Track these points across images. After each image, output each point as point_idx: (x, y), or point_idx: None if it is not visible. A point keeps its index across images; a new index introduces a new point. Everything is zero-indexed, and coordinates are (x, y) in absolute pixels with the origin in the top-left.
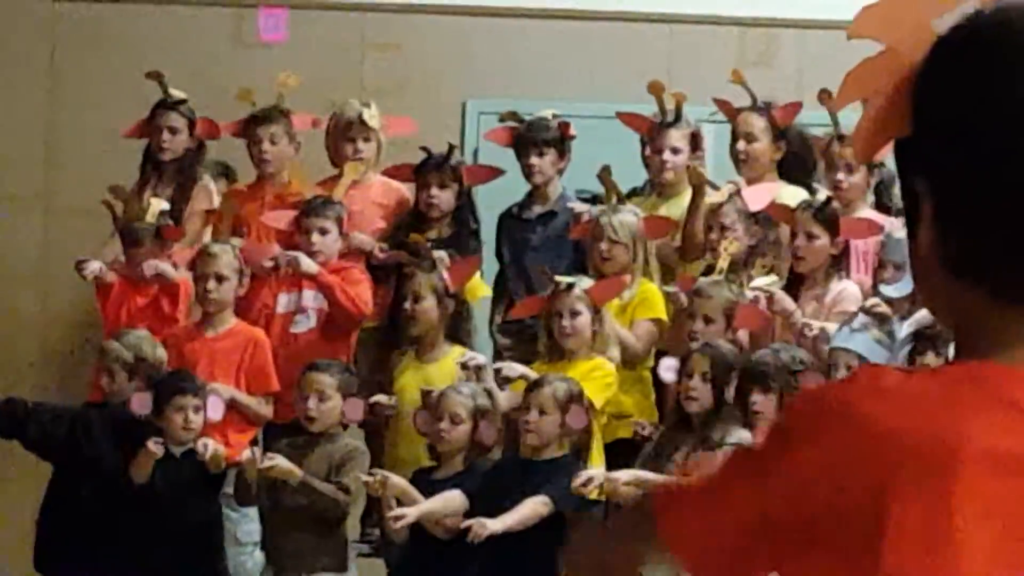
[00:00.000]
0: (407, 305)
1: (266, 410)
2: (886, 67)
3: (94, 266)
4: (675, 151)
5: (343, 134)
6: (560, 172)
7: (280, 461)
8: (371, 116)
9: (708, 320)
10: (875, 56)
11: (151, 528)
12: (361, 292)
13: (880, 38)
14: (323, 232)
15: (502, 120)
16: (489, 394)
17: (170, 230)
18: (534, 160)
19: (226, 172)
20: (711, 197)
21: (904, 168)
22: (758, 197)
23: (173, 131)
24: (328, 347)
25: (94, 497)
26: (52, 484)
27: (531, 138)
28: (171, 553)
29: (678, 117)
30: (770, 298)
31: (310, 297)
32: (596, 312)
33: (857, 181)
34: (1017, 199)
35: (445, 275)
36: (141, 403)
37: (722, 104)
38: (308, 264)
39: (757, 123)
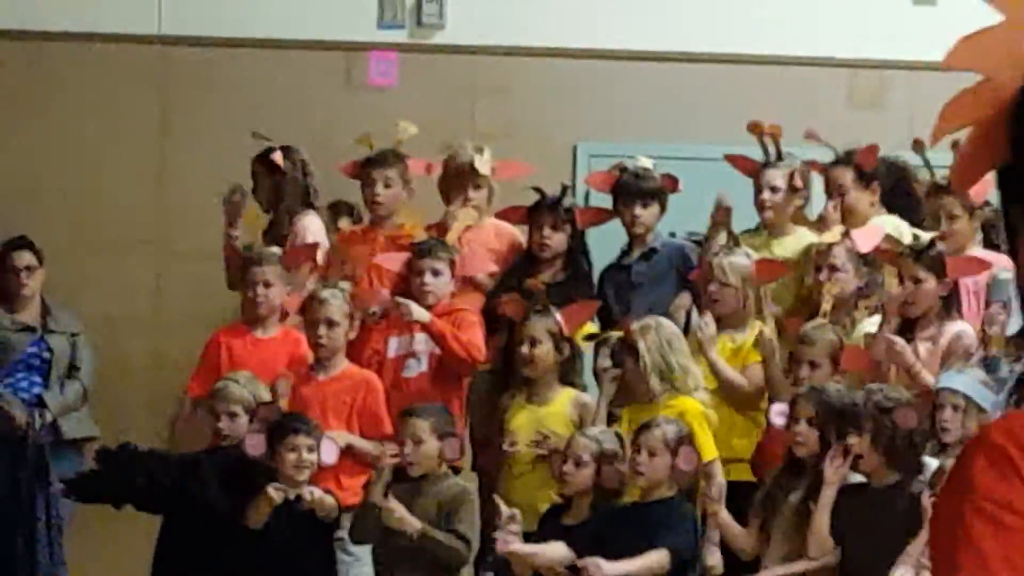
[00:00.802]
0: (524, 349)
1: (380, 453)
2: (984, 97)
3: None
4: (774, 190)
5: (455, 180)
6: (657, 222)
7: (403, 512)
8: (482, 163)
9: (814, 365)
10: (973, 87)
11: (266, 573)
12: (474, 337)
13: (977, 69)
14: (435, 273)
15: (611, 169)
16: (619, 438)
17: (291, 252)
18: (638, 211)
19: (351, 211)
20: (821, 238)
21: (1005, 197)
22: (868, 238)
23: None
24: (440, 391)
25: (207, 542)
26: (163, 532)
27: (636, 189)
28: None
29: (779, 156)
30: (891, 347)
31: (421, 341)
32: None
33: (961, 227)
34: None
35: (560, 319)
36: (255, 444)
37: (735, 159)
38: (420, 313)
39: (846, 175)
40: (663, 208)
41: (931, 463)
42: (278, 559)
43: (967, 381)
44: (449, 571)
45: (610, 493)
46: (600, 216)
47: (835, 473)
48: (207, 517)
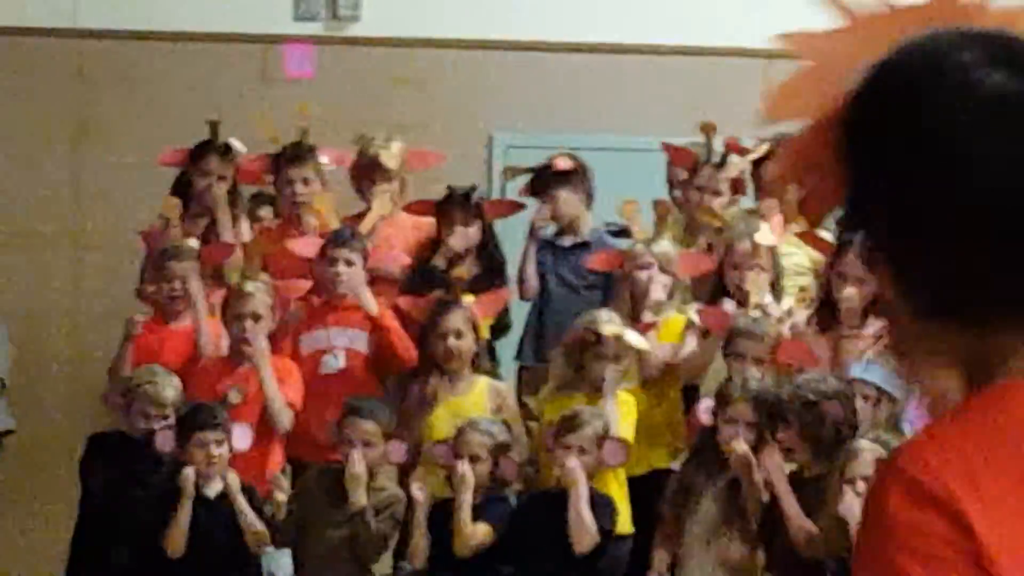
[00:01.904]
0: (451, 342)
1: (287, 419)
2: (815, 142)
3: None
4: (716, 193)
5: (366, 172)
6: (585, 205)
7: (362, 476)
8: (390, 157)
9: (758, 361)
10: (800, 134)
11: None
12: (407, 340)
13: (797, 117)
14: (348, 263)
15: (506, 176)
16: (509, 428)
17: (210, 249)
18: (551, 205)
19: (272, 201)
20: (756, 237)
21: (852, 223)
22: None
23: (221, 179)
24: (361, 388)
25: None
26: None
27: (548, 178)
28: None
29: (723, 160)
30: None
31: (338, 336)
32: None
33: None
34: (978, 227)
35: (473, 309)
36: (164, 440)
37: (671, 149)
38: (371, 304)
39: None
40: (583, 191)
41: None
42: (201, 555)
43: (878, 371)
44: (365, 562)
45: (504, 484)
46: (510, 208)
47: (777, 469)
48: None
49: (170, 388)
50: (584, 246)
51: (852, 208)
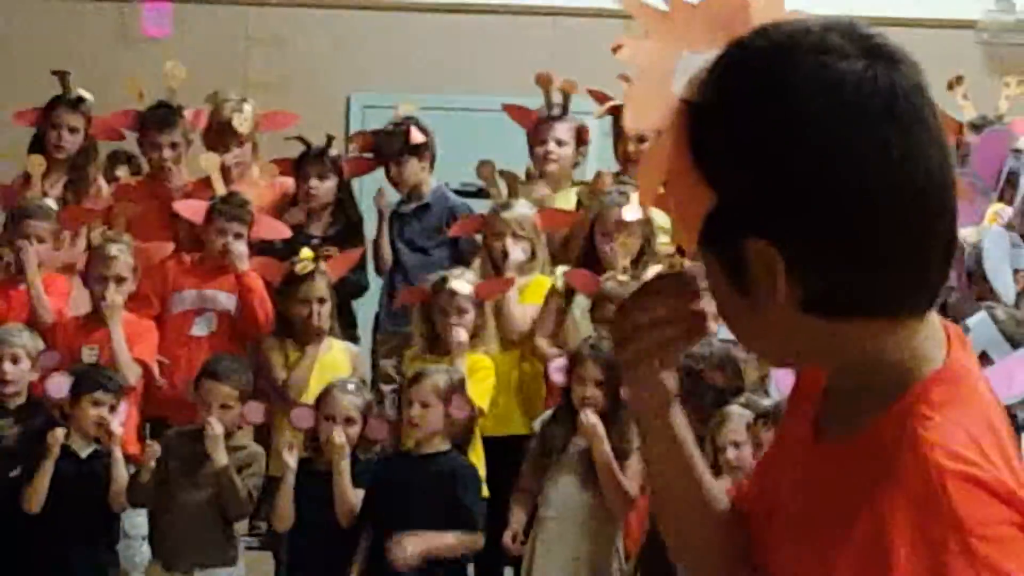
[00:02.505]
0: (315, 308)
1: (132, 375)
2: (661, 153)
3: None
4: (560, 143)
5: (218, 135)
6: (428, 169)
7: (218, 429)
8: (241, 120)
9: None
10: (651, 146)
11: (47, 526)
12: (268, 305)
13: (648, 128)
14: (238, 236)
15: (350, 142)
16: (369, 386)
17: (71, 212)
18: (394, 170)
19: (129, 160)
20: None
21: (723, 236)
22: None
23: (72, 130)
24: (228, 349)
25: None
26: None
27: (389, 146)
28: (67, 550)
29: (565, 110)
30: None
31: (212, 298)
32: (479, 307)
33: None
34: (865, 229)
35: (326, 267)
36: (58, 386)
37: (599, 95)
38: (243, 259)
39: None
40: (422, 156)
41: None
42: (62, 514)
43: None
44: (224, 521)
45: (371, 443)
46: (367, 166)
47: (592, 429)
48: None
49: (24, 334)
50: (426, 208)
51: (722, 223)
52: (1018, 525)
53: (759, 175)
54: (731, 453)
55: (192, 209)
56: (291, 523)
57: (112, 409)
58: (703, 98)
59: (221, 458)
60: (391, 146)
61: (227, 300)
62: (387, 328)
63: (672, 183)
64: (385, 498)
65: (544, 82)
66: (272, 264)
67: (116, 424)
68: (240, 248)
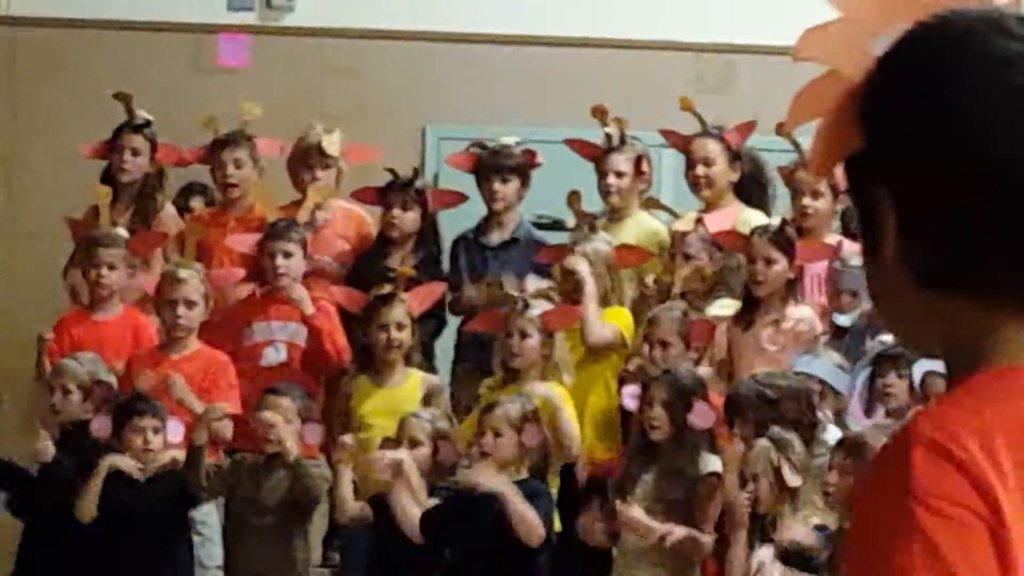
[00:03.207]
0: (394, 333)
1: (226, 428)
2: (830, 89)
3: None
4: (619, 175)
5: (303, 161)
6: (521, 199)
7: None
8: (330, 143)
9: (664, 344)
10: (819, 78)
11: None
12: (340, 339)
13: (822, 61)
14: (287, 255)
15: (468, 149)
16: (449, 418)
17: (141, 237)
18: (497, 186)
19: (204, 191)
20: (675, 225)
21: (859, 181)
22: (720, 221)
23: (135, 153)
24: (299, 381)
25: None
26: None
27: (494, 164)
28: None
29: (623, 141)
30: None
31: (281, 330)
32: (548, 337)
33: (822, 207)
34: (984, 198)
35: (410, 301)
36: (101, 426)
37: (668, 134)
38: (307, 302)
39: (712, 147)
40: (524, 184)
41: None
42: (131, 543)
43: (823, 365)
44: (302, 514)
45: (447, 471)
46: (453, 199)
47: (734, 456)
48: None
49: (88, 364)
50: (513, 243)
51: (862, 166)
52: (985, 521)
53: (899, 126)
54: (750, 487)
55: (243, 242)
56: (353, 511)
57: (156, 431)
58: (887, 56)
59: (293, 447)
60: (496, 162)
61: (296, 331)
62: (463, 363)
63: (830, 116)
64: (453, 524)
65: (600, 114)
66: (354, 294)
67: (158, 441)
68: (289, 266)
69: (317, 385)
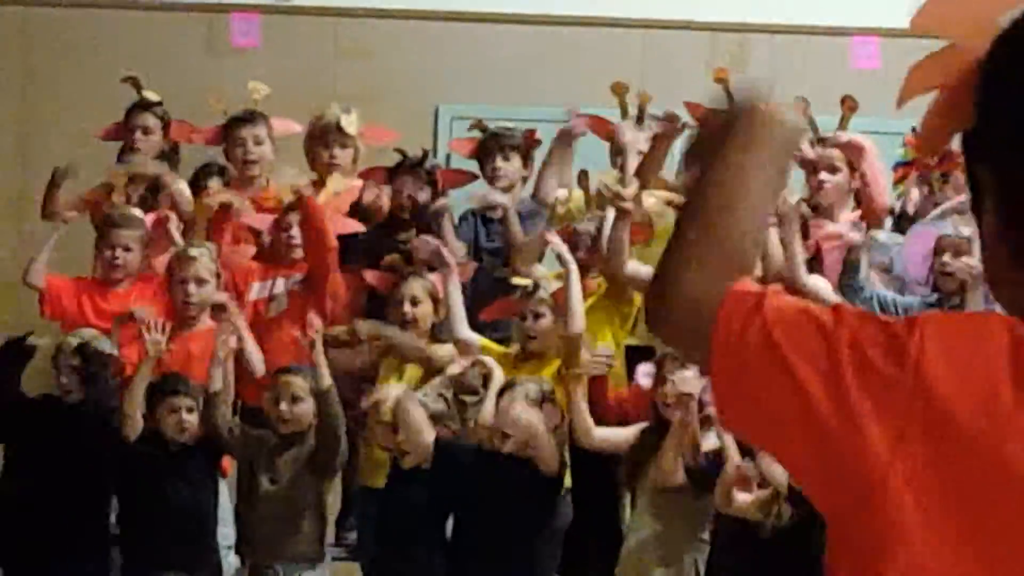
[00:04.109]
0: (407, 308)
1: (260, 364)
2: (950, 63)
3: None
4: (638, 153)
5: (320, 139)
6: (524, 180)
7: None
8: (349, 123)
9: None
10: (939, 51)
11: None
12: (326, 235)
13: (943, 34)
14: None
15: (470, 129)
16: (445, 400)
17: (156, 218)
18: (500, 164)
19: (221, 172)
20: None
21: (969, 158)
22: None
23: (147, 132)
24: (305, 311)
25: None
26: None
27: (496, 143)
28: (169, 545)
29: (640, 119)
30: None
31: (281, 285)
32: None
33: (840, 180)
34: None
35: (433, 279)
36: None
37: (694, 108)
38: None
39: None
40: (526, 163)
41: None
42: (161, 508)
43: None
44: (326, 465)
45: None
46: (463, 178)
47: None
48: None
49: (96, 340)
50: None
51: (975, 137)
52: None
53: (1005, 109)
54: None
55: (263, 221)
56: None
57: (191, 410)
58: (1008, 34)
59: (326, 378)
60: (499, 141)
61: (296, 281)
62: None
63: (946, 91)
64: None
65: (619, 91)
66: (385, 277)
67: (193, 420)
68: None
69: (323, 309)
